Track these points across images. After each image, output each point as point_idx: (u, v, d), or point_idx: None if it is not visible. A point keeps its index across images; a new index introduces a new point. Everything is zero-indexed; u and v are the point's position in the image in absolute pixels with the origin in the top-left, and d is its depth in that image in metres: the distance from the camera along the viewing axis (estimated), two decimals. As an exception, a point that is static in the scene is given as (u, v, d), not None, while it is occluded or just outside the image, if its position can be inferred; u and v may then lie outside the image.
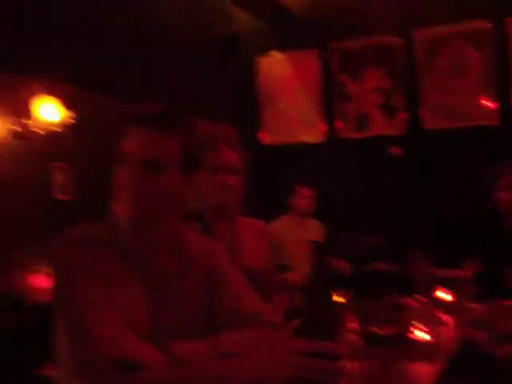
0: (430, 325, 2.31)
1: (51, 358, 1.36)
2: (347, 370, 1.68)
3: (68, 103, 4.13)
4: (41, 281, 3.55)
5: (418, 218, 5.18)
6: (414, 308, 2.47)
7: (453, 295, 2.74)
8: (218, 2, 5.38)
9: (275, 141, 5.80)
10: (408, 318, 2.34)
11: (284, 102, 5.82)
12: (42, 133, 3.98)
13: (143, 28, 4.65)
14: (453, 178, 5.12)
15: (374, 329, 2.25)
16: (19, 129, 3.87)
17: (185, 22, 5.12)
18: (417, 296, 2.63)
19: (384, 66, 5.47)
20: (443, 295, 2.74)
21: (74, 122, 4.14)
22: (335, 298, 2.42)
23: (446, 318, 2.53)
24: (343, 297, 2.44)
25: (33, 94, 3.93)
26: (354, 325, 2.26)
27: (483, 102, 5.10)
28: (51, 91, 4.00)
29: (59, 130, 4.07)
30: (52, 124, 4.02)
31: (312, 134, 5.71)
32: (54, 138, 4.09)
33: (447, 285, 2.81)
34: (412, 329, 2.29)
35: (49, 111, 3.97)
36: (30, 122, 3.92)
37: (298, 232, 4.47)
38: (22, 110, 3.89)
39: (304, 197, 4.61)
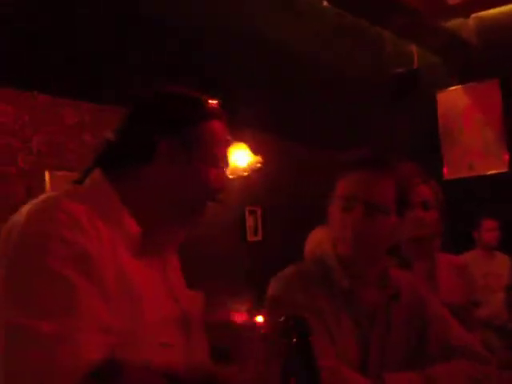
0: None
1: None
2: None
3: (256, 149, 4.43)
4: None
5: None
6: None
7: None
8: (396, 40, 5.46)
9: (457, 175, 5.68)
10: None
11: (465, 134, 5.70)
12: (235, 178, 4.30)
13: (323, 73, 4.86)
14: None
15: None
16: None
17: (364, 60, 5.26)
18: None
19: None
20: None
21: (261, 166, 4.43)
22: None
23: None
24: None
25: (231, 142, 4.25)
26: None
27: None
28: (242, 138, 4.31)
29: (249, 174, 4.37)
30: (243, 169, 4.34)
31: (495, 164, 5.53)
32: (245, 183, 4.38)
33: None
34: None
35: (240, 157, 4.30)
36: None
37: (485, 266, 4.38)
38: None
39: (489, 230, 4.56)
